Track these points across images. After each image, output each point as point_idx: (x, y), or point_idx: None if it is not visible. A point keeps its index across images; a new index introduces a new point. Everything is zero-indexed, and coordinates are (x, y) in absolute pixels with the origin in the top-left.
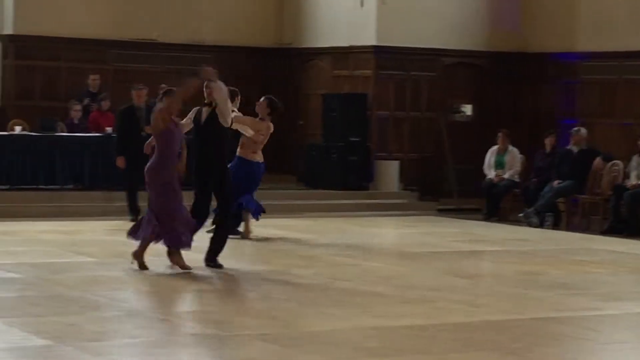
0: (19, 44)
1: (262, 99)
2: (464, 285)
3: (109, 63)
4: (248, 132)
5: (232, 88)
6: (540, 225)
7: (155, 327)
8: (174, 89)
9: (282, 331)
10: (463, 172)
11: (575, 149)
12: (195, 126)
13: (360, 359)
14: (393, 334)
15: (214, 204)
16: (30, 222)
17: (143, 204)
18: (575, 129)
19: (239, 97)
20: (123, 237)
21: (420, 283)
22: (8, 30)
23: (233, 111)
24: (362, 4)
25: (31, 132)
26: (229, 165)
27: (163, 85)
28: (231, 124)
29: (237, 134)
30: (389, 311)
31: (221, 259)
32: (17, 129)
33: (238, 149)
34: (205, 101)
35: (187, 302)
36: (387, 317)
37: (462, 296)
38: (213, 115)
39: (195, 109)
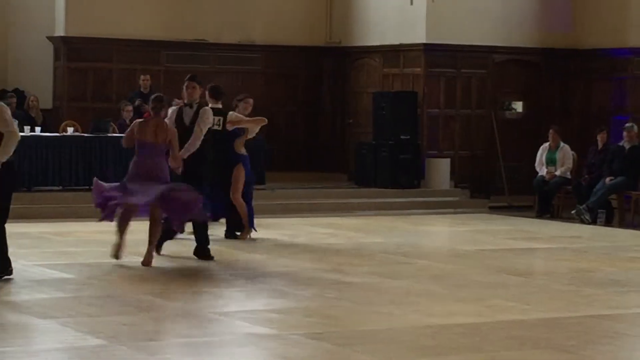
0: (71, 45)
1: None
2: (516, 283)
3: (160, 64)
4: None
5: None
6: (593, 222)
7: (208, 326)
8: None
9: (335, 330)
10: (514, 169)
11: (627, 145)
12: (178, 126)
13: (414, 357)
14: (446, 333)
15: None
16: (83, 223)
17: None
18: (629, 125)
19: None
20: (176, 237)
21: (472, 281)
22: (60, 32)
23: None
24: (411, 2)
25: (83, 133)
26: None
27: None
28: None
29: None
30: (442, 309)
31: (273, 257)
32: (70, 130)
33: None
34: (186, 101)
35: (239, 301)
36: (441, 315)
37: (515, 294)
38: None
39: (174, 109)
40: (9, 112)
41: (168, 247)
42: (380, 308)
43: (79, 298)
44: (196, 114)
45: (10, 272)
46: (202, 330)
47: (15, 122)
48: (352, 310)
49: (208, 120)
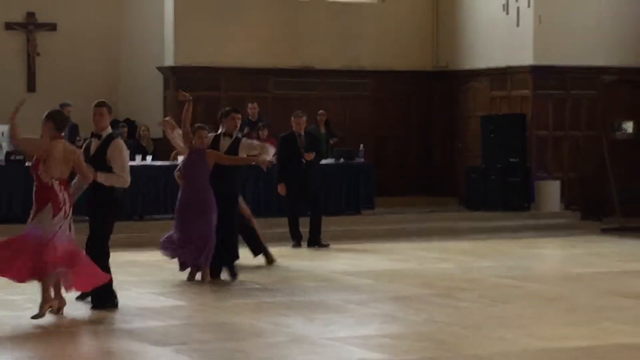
0: (180, 75)
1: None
2: (630, 305)
3: (269, 91)
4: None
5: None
6: None
7: (321, 352)
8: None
9: (446, 355)
10: (626, 190)
11: None
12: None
13: None
14: (560, 356)
15: None
16: None
17: (304, 229)
18: None
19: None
20: (286, 262)
21: (585, 304)
22: (169, 62)
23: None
24: (518, 24)
25: None
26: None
27: (321, 112)
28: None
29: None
30: (555, 333)
31: (383, 282)
32: (180, 159)
33: None
34: (225, 131)
35: (351, 327)
36: (553, 339)
37: (629, 317)
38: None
39: (211, 135)
40: (126, 150)
41: (279, 272)
42: (492, 332)
43: (191, 325)
44: (235, 143)
45: (116, 305)
46: (314, 356)
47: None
48: (463, 335)
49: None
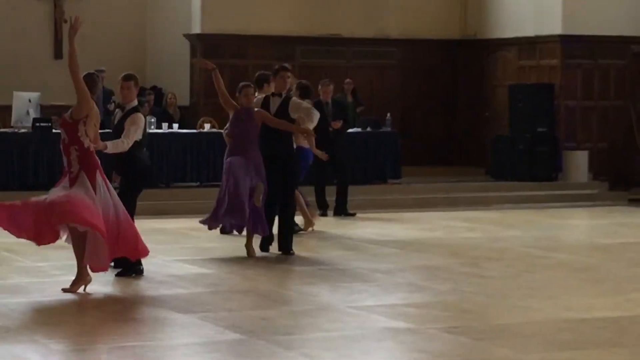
0: (207, 42)
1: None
2: None
3: (296, 59)
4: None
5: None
6: None
7: (346, 320)
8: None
9: (472, 324)
10: None
11: None
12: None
13: (552, 352)
14: (585, 327)
15: None
16: None
17: (330, 198)
18: None
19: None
20: (310, 232)
21: (612, 274)
22: (196, 29)
23: None
24: None
25: (220, 129)
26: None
27: (348, 80)
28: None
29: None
30: (581, 303)
31: (409, 251)
32: (207, 127)
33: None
34: (274, 91)
35: (376, 296)
36: (579, 309)
37: None
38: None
39: (259, 97)
40: (141, 123)
41: (306, 241)
42: (518, 302)
43: (217, 293)
44: (284, 103)
45: (141, 272)
46: (340, 324)
47: (154, 119)
48: (489, 304)
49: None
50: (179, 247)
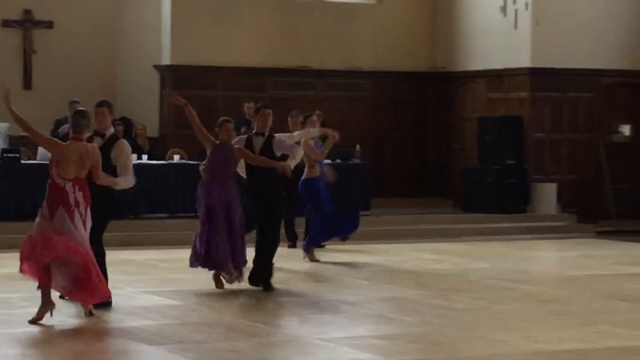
0: (177, 73)
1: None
2: (625, 308)
3: (266, 91)
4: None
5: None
6: None
7: (315, 352)
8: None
9: (440, 356)
10: (622, 193)
11: None
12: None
13: None
14: (554, 359)
15: None
16: (190, 250)
17: (300, 229)
18: None
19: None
20: (281, 264)
21: (580, 307)
22: (166, 60)
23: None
24: (515, 26)
25: (189, 160)
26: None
27: (318, 112)
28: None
29: None
30: (550, 335)
31: (377, 282)
32: (176, 158)
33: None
34: (256, 130)
35: (345, 327)
36: (548, 341)
37: (624, 320)
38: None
39: (242, 137)
40: (129, 150)
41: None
42: (487, 334)
43: (186, 325)
44: (268, 142)
45: (109, 304)
46: (308, 356)
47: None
48: (457, 336)
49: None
50: (147, 279)
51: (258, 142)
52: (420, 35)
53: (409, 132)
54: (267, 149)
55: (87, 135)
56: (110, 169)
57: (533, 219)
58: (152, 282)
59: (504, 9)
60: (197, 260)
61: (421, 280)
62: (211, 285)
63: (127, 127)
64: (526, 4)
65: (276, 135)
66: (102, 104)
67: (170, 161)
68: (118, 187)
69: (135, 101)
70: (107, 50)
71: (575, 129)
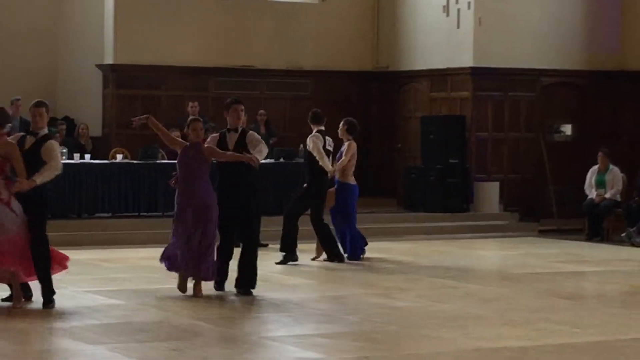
0: (120, 73)
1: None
2: (566, 306)
3: (209, 90)
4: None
5: None
6: None
7: (259, 351)
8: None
9: (383, 354)
10: (564, 192)
11: None
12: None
13: None
14: (495, 356)
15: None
16: (133, 249)
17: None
18: None
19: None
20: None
21: (522, 305)
22: (109, 60)
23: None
24: (458, 25)
25: (132, 160)
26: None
27: (262, 112)
28: None
29: None
30: (491, 333)
31: (322, 282)
32: (119, 157)
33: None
34: (229, 126)
35: (288, 326)
36: (489, 339)
37: (565, 317)
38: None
39: (215, 135)
40: (58, 149)
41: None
42: (429, 332)
43: (128, 324)
44: (242, 138)
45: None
46: (252, 355)
47: (65, 150)
48: (400, 334)
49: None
50: (90, 278)
51: (232, 139)
52: (363, 35)
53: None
54: (241, 145)
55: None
56: (38, 166)
57: (476, 217)
58: (95, 281)
59: (446, 9)
60: (163, 259)
61: (365, 279)
62: (153, 285)
63: (69, 126)
64: (468, 3)
65: (250, 131)
66: (39, 104)
67: (113, 160)
68: (39, 182)
69: (78, 101)
70: (49, 50)
71: (517, 129)
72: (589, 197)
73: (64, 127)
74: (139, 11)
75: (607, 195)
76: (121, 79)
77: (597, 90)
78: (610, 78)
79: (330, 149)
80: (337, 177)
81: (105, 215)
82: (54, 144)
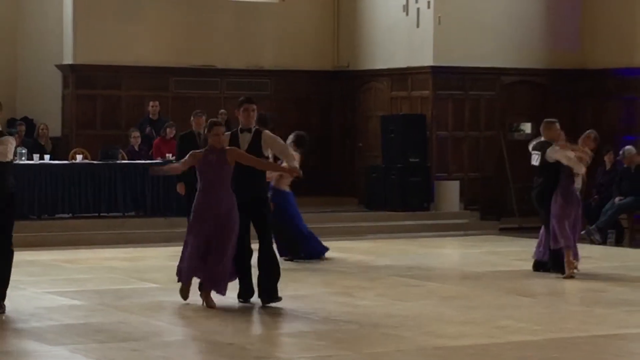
0: (79, 73)
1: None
2: (527, 303)
3: (169, 90)
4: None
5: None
6: (603, 242)
7: (219, 351)
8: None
9: (344, 353)
10: (524, 190)
11: (632, 166)
12: None
13: None
14: (456, 354)
15: None
16: (93, 250)
17: None
18: (627, 148)
19: None
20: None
21: (483, 302)
22: (68, 60)
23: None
24: (417, 25)
25: (92, 160)
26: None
27: (222, 111)
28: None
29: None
30: (452, 331)
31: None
32: (79, 158)
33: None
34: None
35: (249, 326)
36: (450, 337)
37: (526, 315)
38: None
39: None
40: (11, 143)
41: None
42: (390, 330)
43: (88, 325)
44: (255, 139)
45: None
46: (212, 355)
47: (24, 151)
48: (361, 333)
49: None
50: (50, 279)
51: (244, 139)
52: (323, 34)
53: (313, 131)
54: (256, 146)
55: None
56: None
57: (436, 216)
58: (55, 282)
59: (406, 8)
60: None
61: (325, 278)
62: (114, 285)
63: (29, 127)
64: (428, 3)
65: (265, 131)
66: None
67: (73, 161)
68: None
69: (38, 101)
70: (8, 49)
71: (477, 127)
72: None
73: (23, 127)
74: (98, 11)
75: None
76: (81, 79)
77: (557, 88)
78: (570, 76)
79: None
80: (272, 183)
81: (66, 215)
82: (7, 139)
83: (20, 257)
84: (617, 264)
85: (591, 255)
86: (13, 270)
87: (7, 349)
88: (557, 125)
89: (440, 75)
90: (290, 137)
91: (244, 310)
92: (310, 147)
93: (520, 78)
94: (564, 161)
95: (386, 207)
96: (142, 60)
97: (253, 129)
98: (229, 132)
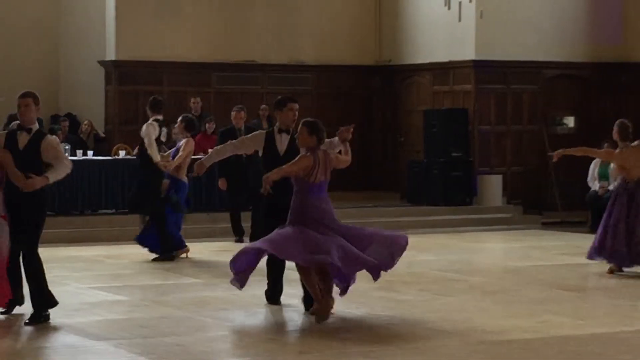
0: (122, 69)
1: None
2: (569, 298)
3: (211, 85)
4: None
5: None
6: None
7: (261, 346)
8: None
9: (388, 347)
10: (567, 184)
11: None
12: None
13: None
14: (499, 349)
15: None
16: (136, 245)
17: (246, 224)
18: None
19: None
20: (227, 258)
21: (525, 297)
22: (111, 56)
23: None
24: (459, 18)
25: (135, 156)
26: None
27: (264, 106)
28: None
29: None
30: (495, 325)
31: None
32: (121, 154)
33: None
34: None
35: (292, 322)
36: (493, 332)
37: (569, 309)
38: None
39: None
40: (60, 145)
41: (219, 268)
42: (433, 325)
43: (132, 320)
44: (294, 140)
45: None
46: (255, 350)
47: (68, 147)
48: (405, 328)
49: None
50: (94, 275)
51: (283, 141)
52: (365, 29)
53: (355, 125)
54: (295, 148)
55: None
56: (36, 165)
57: (479, 211)
58: (98, 278)
59: (448, 2)
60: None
61: (368, 274)
62: (157, 280)
63: (72, 123)
64: None
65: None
66: (26, 94)
67: (116, 157)
68: (52, 181)
69: (81, 97)
70: (50, 46)
71: (519, 121)
72: (592, 189)
73: (67, 123)
74: (141, 7)
75: (610, 187)
76: (123, 75)
77: (599, 82)
78: (612, 70)
79: (164, 140)
80: (170, 172)
81: (109, 211)
82: (54, 141)
83: (63, 252)
84: None
85: None
86: (56, 265)
87: (51, 344)
88: None
89: (482, 69)
90: (178, 121)
91: (286, 307)
92: (351, 143)
93: (562, 72)
94: None
95: (428, 201)
96: (183, 55)
97: (292, 131)
98: (264, 131)
